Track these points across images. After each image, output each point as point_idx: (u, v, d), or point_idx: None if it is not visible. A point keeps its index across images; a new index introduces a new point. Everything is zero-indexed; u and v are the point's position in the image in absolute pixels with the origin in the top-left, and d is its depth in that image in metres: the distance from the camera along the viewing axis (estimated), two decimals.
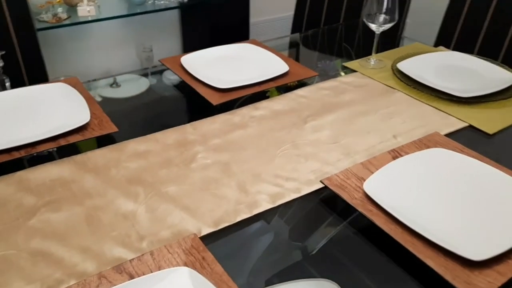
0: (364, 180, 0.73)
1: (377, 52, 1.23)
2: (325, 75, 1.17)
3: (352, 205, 0.68)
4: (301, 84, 1.09)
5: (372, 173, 0.75)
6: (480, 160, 0.77)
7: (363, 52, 1.29)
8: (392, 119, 0.94)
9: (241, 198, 0.72)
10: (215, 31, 2.33)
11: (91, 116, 0.90)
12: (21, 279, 0.58)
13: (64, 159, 0.81)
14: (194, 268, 0.58)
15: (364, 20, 1.15)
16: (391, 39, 1.44)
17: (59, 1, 1.84)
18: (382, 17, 1.14)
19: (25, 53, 1.41)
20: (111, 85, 1.15)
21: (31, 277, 0.58)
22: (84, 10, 1.77)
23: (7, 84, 1.39)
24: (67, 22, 1.80)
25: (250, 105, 0.99)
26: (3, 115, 0.91)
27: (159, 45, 2.35)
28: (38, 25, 1.76)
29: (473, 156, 0.79)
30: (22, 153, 0.80)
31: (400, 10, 1.72)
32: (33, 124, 0.87)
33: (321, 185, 0.74)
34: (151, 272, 0.57)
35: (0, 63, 1.35)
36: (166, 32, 2.41)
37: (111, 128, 0.88)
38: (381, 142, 0.87)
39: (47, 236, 0.65)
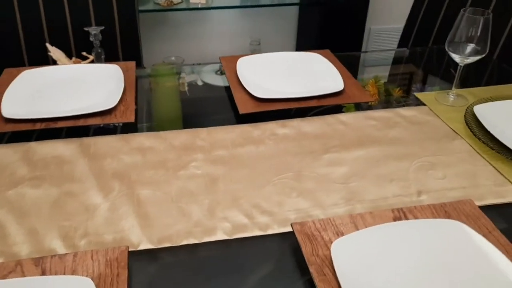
0: (343, 236, 0.62)
1: (465, 86, 1.04)
2: (415, 101, 1.03)
3: (307, 261, 0.58)
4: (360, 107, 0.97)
5: (358, 230, 0.63)
6: (510, 256, 0.59)
7: (469, 82, 1.09)
8: (431, 171, 0.78)
9: (203, 220, 0.67)
10: (330, 34, 2.23)
11: (120, 103, 0.93)
12: None
13: (75, 139, 0.84)
14: (104, 283, 0.55)
15: (446, 48, 0.97)
16: (506, 73, 1.20)
17: None
18: (469, 47, 0.94)
19: (124, 32, 1.52)
20: (216, 72, 1.17)
21: None
22: None
23: (102, 57, 1.52)
24: (178, 6, 1.90)
25: (279, 121, 0.91)
26: (43, 88, 0.97)
27: (271, 40, 2.34)
28: (147, 7, 1.89)
29: (500, 244, 0.61)
30: (43, 125, 0.86)
31: None
32: (64, 100, 0.93)
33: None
34: (64, 273, 0.56)
35: (99, 37, 1.48)
36: (281, 28, 2.39)
37: (129, 118, 0.89)
38: (398, 195, 0.73)
39: (13, 210, 0.68)
